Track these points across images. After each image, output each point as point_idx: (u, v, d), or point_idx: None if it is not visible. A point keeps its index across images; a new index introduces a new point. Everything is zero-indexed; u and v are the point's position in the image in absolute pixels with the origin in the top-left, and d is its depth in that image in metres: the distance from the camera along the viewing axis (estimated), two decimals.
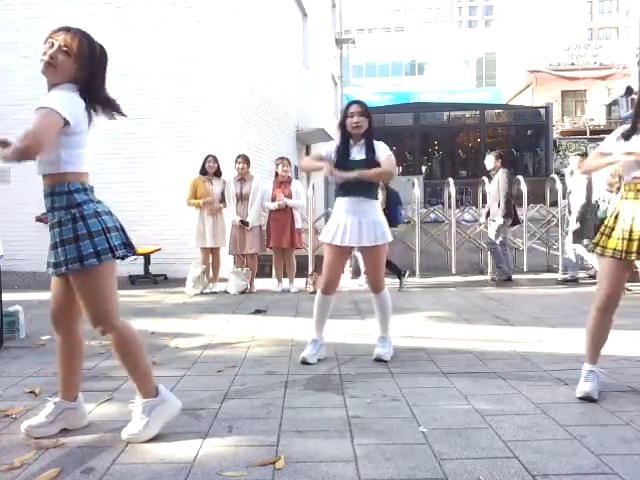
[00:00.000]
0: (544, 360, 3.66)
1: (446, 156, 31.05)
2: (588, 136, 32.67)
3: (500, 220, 7.34)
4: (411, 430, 2.54)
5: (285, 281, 7.21)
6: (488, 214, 7.71)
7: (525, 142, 30.97)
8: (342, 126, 3.74)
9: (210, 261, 7.24)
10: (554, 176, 9.08)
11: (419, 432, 2.51)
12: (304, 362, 3.67)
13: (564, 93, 34.77)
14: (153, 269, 8.12)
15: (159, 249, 8.16)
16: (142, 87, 8.52)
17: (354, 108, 3.69)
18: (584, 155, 7.32)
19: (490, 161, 7.59)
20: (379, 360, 3.70)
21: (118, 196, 8.43)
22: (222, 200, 7.09)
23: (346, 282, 7.04)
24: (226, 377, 3.40)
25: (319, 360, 3.74)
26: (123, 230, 2.49)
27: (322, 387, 3.20)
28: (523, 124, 30.88)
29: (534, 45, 36.82)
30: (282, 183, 7.10)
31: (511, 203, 7.42)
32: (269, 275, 7.69)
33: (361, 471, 2.15)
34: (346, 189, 3.71)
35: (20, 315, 4.61)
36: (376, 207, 3.80)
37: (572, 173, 7.36)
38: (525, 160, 30.99)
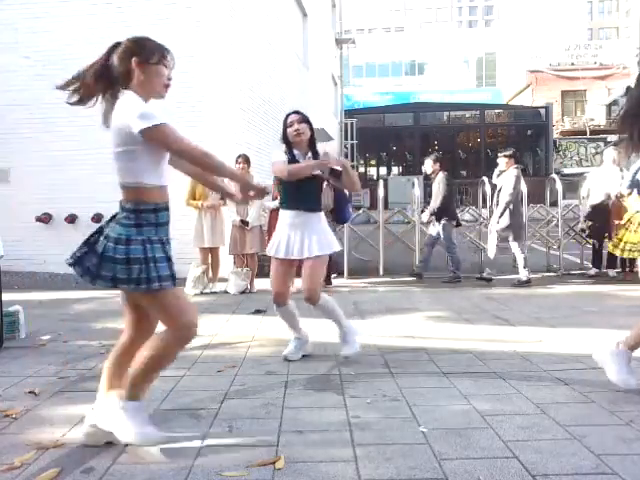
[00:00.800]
0: (544, 360, 3.66)
1: (446, 156, 31.04)
2: (588, 136, 32.71)
3: (426, 217, 7.59)
4: (411, 430, 2.54)
5: None
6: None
7: (525, 142, 30.98)
8: (285, 139, 3.71)
9: (210, 261, 7.23)
10: (554, 176, 9.09)
11: (419, 432, 2.51)
12: (286, 359, 3.76)
13: (564, 93, 34.77)
14: None
15: None
16: None
17: (292, 118, 3.68)
18: (511, 157, 7.34)
19: (428, 165, 7.72)
20: (347, 357, 3.75)
21: (118, 196, 8.45)
22: (221, 198, 7.08)
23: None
24: (226, 377, 3.40)
25: (304, 356, 3.82)
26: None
27: (322, 387, 3.20)
28: (523, 124, 30.92)
29: (534, 45, 36.80)
30: None
31: (452, 205, 7.58)
32: (269, 275, 7.67)
33: (361, 471, 2.15)
34: (291, 202, 3.70)
35: (20, 315, 4.60)
36: (321, 218, 3.77)
37: (500, 173, 7.39)
38: (525, 160, 30.96)
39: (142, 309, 2.42)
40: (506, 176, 7.18)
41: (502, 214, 7.05)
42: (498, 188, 7.30)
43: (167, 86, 2.43)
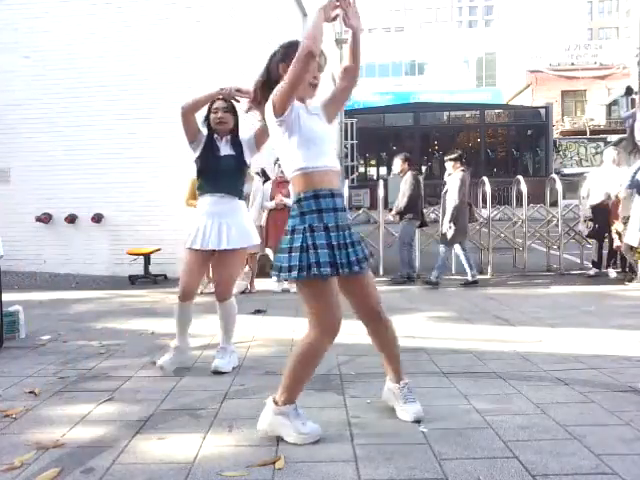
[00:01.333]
0: (544, 360, 3.66)
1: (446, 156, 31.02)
2: (588, 136, 32.72)
3: (395, 217, 7.61)
4: (411, 430, 2.54)
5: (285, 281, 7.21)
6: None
7: (525, 142, 30.99)
8: (207, 121, 3.60)
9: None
10: (554, 176, 9.08)
11: (419, 432, 2.51)
12: (161, 368, 3.47)
13: (564, 93, 34.80)
14: (153, 269, 8.12)
15: (159, 249, 8.16)
16: (143, 87, 8.50)
17: (218, 104, 3.57)
18: (457, 160, 7.35)
19: (397, 164, 7.77)
20: (217, 372, 3.45)
21: (118, 196, 8.46)
22: None
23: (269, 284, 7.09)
24: (226, 377, 3.40)
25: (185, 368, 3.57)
26: None
27: (322, 387, 3.19)
28: (523, 124, 30.89)
29: (534, 45, 36.81)
30: (280, 183, 7.10)
31: (416, 204, 7.55)
32: (269, 275, 7.67)
33: (361, 471, 2.15)
34: (209, 185, 3.51)
35: (20, 315, 4.60)
36: (241, 207, 3.62)
37: (450, 175, 7.42)
38: (525, 160, 31.01)
39: (352, 294, 2.52)
40: (452, 179, 7.21)
41: (452, 219, 6.99)
42: (444, 189, 7.37)
43: (314, 85, 2.48)
